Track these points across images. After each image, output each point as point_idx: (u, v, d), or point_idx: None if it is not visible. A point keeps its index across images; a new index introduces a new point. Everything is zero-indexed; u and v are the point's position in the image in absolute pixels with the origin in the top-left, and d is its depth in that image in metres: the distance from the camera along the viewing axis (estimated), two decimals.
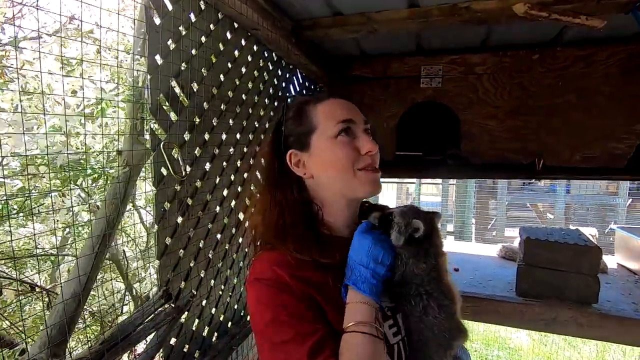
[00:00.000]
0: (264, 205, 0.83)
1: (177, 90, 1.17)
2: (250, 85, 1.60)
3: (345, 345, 0.65)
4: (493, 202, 7.44)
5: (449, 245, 3.26)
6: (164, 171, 1.11)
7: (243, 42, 1.53)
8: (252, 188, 1.62)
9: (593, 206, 7.05)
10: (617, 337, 1.69)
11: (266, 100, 1.75)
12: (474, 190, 6.89)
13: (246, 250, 1.63)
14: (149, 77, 1.06)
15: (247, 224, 1.56)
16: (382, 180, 0.82)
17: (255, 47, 1.62)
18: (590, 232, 3.32)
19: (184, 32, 1.17)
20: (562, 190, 6.66)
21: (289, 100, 0.88)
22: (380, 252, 0.70)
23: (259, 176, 1.66)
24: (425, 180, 7.59)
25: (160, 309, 1.06)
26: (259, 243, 0.84)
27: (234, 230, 1.52)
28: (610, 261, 2.51)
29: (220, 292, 1.47)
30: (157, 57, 1.08)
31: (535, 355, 4.66)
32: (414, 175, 3.92)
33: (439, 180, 7.63)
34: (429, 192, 8.65)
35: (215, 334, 1.46)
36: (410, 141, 2.50)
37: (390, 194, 8.89)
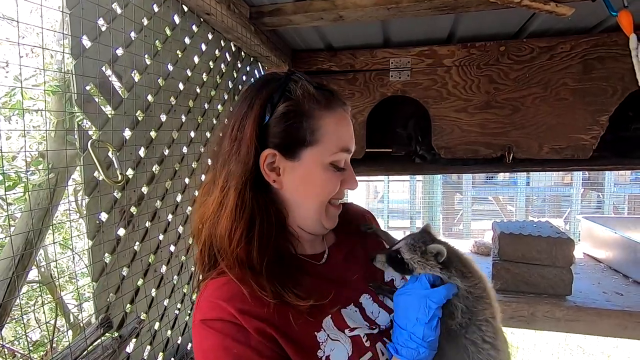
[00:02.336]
0: (223, 203, 0.64)
1: (113, 79, 0.99)
2: (205, 77, 1.43)
3: None
4: (458, 196, 7.60)
5: None
6: (98, 176, 0.93)
7: (195, 29, 1.36)
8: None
9: (550, 197, 7.39)
10: (594, 330, 1.68)
11: (225, 95, 1.59)
12: (440, 185, 7.00)
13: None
14: (73, 61, 0.87)
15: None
16: None
17: (210, 35, 1.45)
18: (556, 223, 3.40)
19: (119, 11, 0.99)
20: (523, 182, 6.91)
21: (296, 74, 0.67)
22: (425, 313, 0.58)
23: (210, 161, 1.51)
24: (392, 177, 7.63)
25: (97, 342, 0.88)
26: (206, 260, 0.68)
27: (190, 241, 1.35)
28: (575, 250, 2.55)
29: (177, 312, 1.29)
30: (85, 38, 0.89)
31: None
32: (384, 173, 3.84)
33: (407, 177, 7.70)
34: (398, 190, 8.70)
35: (172, 359, 1.29)
36: (379, 137, 2.41)
37: (361, 193, 8.86)
